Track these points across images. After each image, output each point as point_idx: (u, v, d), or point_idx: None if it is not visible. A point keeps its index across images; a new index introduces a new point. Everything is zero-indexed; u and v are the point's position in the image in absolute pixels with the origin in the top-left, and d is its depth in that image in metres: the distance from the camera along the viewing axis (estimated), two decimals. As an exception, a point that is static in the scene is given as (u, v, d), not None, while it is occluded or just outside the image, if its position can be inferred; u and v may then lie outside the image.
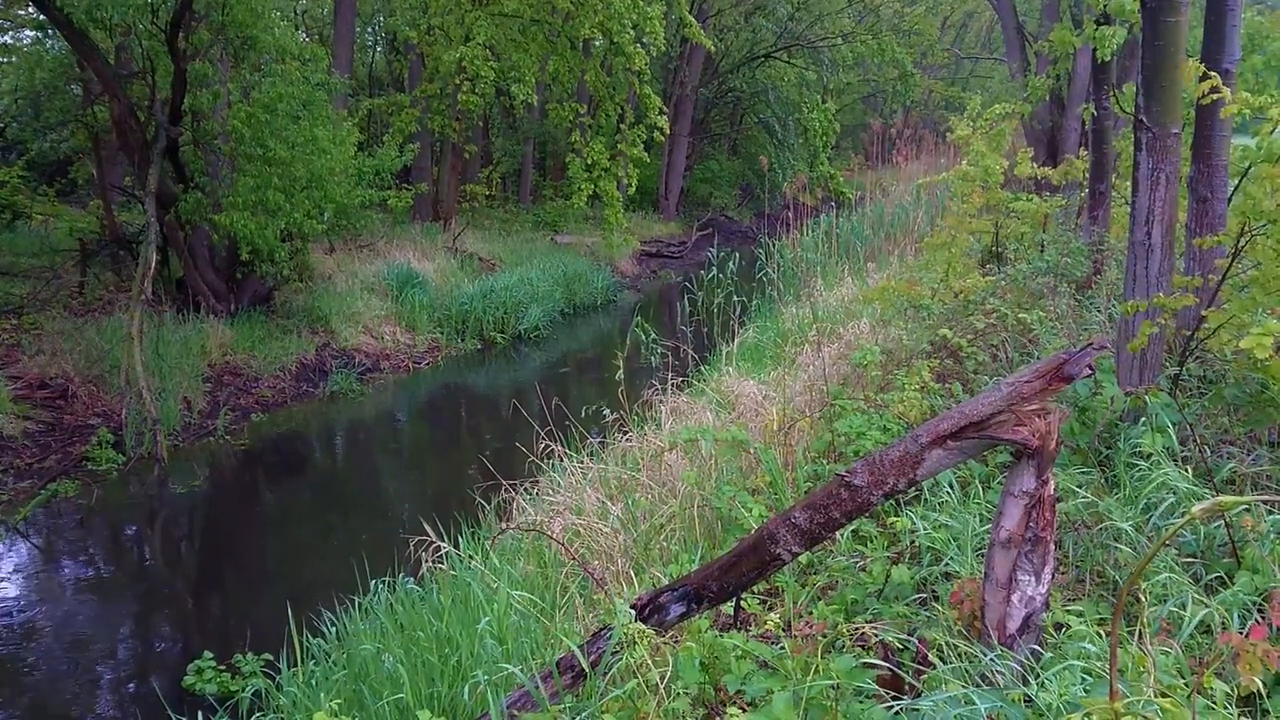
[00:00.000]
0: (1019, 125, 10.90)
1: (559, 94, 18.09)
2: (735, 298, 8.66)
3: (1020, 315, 6.11)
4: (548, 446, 6.10)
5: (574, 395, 10.68)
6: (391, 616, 4.60)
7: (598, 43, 17.63)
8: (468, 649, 3.77)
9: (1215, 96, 4.27)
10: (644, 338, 6.83)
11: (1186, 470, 3.54)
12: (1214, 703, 2.20)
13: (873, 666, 2.63)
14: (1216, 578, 3.03)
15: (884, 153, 22.34)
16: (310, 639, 4.59)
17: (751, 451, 5.06)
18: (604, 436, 6.57)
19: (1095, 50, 7.06)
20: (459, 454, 9.80)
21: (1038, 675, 2.44)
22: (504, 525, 5.40)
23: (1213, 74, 4.24)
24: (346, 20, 17.18)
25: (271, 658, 4.95)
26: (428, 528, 5.02)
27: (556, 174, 23.94)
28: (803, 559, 3.71)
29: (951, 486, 3.96)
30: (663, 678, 2.71)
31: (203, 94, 10.68)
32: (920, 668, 2.73)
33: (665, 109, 16.84)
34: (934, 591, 3.31)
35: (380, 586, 5.03)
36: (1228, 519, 3.12)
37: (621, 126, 16.90)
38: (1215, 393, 4.13)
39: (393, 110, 17.80)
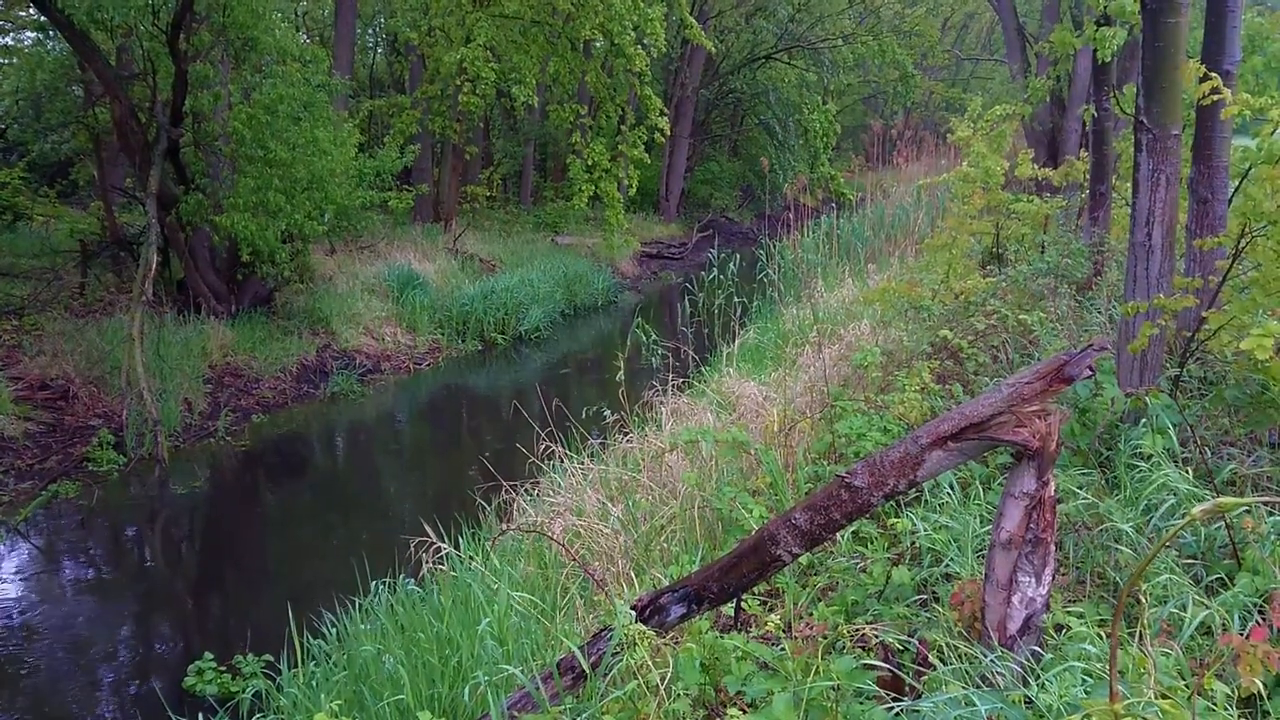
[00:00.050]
0: (1019, 126, 10.90)
1: (560, 95, 18.09)
2: (736, 299, 8.66)
3: (1021, 316, 6.11)
4: (548, 447, 6.10)
5: (574, 396, 10.68)
6: (392, 617, 4.60)
7: (598, 44, 17.64)
8: (468, 650, 3.77)
9: (1216, 98, 4.28)
10: (644, 339, 6.84)
11: (1187, 472, 3.54)
12: (1214, 704, 2.20)
13: (873, 668, 2.63)
14: (1217, 579, 3.03)
15: (884, 154, 22.35)
16: (310, 640, 4.59)
17: (752, 453, 5.06)
18: (604, 437, 6.57)
19: (1096, 51, 7.06)
20: (459, 455, 9.80)
21: (1038, 676, 2.44)
22: (504, 526, 5.40)
23: (1213, 75, 4.25)
24: (347, 21, 17.20)
25: (272, 659, 4.95)
26: (428, 528, 5.02)
27: (557, 175, 23.96)
28: (803, 560, 3.71)
29: (952, 488, 3.96)
30: (663, 679, 2.71)
31: (204, 95, 10.69)
32: (920, 669, 2.73)
33: (666, 110, 16.85)
34: (934, 593, 3.31)
35: (381, 587, 5.03)
36: (1228, 520, 3.12)
37: (622, 128, 16.90)
38: (1216, 394, 4.14)
39: (393, 111, 17.81)
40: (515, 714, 2.92)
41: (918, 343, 6.55)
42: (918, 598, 3.27)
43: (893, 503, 3.89)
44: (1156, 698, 2.02)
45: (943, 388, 5.37)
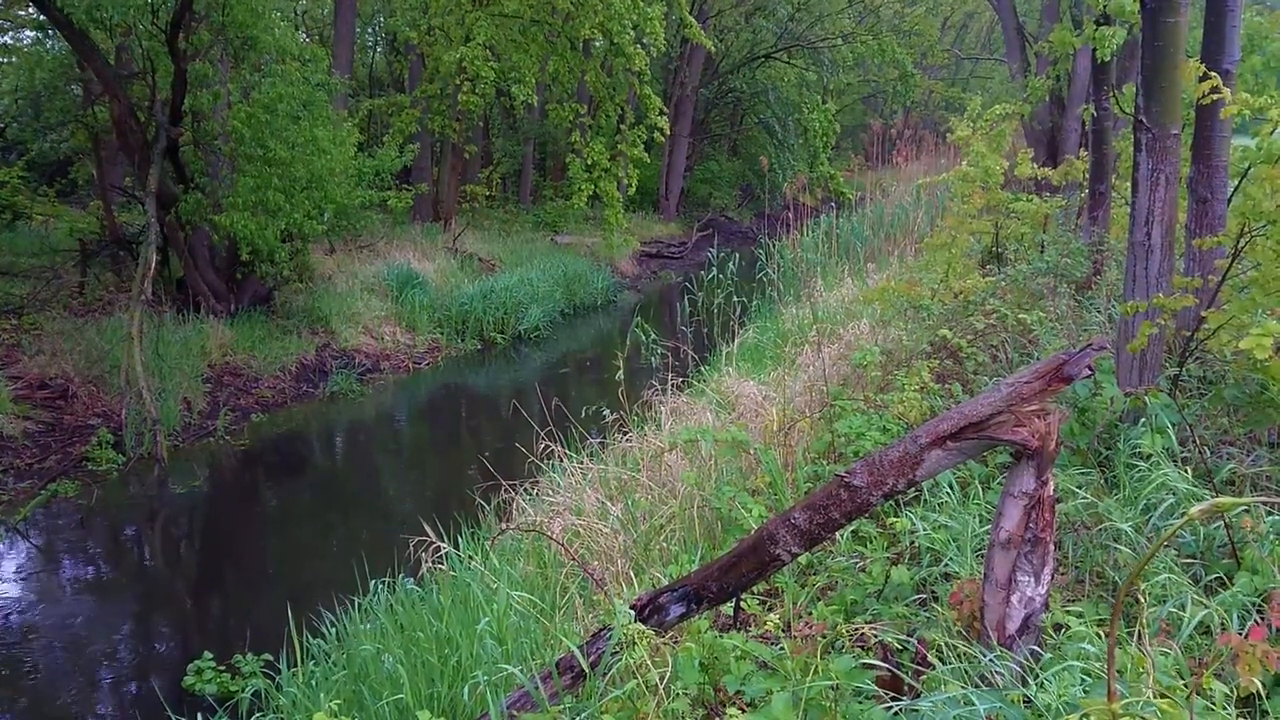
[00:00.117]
0: (1019, 126, 10.90)
1: (559, 94, 18.09)
2: (735, 298, 8.66)
3: (1020, 316, 6.11)
4: (548, 447, 6.10)
5: (574, 396, 10.68)
6: (391, 617, 4.60)
7: (598, 43, 17.65)
8: (467, 649, 3.77)
9: (1215, 97, 4.28)
10: (644, 338, 6.83)
11: (1186, 471, 3.54)
12: (1213, 703, 2.20)
13: (872, 667, 2.63)
14: (1216, 578, 3.03)
15: (884, 153, 22.34)
16: (310, 639, 4.59)
17: (751, 452, 5.06)
18: (604, 437, 6.57)
19: (1095, 51, 7.06)
20: (459, 454, 9.80)
21: (1037, 676, 2.44)
22: (504, 526, 5.40)
23: (1212, 74, 4.25)
24: (346, 21, 17.19)
25: (271, 658, 4.95)
26: (427, 528, 5.02)
27: (557, 174, 23.95)
28: (802, 559, 3.71)
29: (951, 487, 3.96)
30: (662, 678, 2.71)
31: (203, 94, 10.69)
32: (919, 668, 2.73)
33: (665, 109, 16.85)
34: (933, 592, 3.31)
35: (380, 587, 5.03)
36: (1227, 520, 3.12)
37: (621, 127, 16.90)
38: (1215, 393, 4.14)
39: (393, 111, 17.81)
40: (514, 713, 2.93)
41: (917, 342, 6.55)
42: (917, 597, 3.27)
43: (892, 502, 3.89)
44: (1155, 697, 2.02)
45: (942, 387, 5.37)
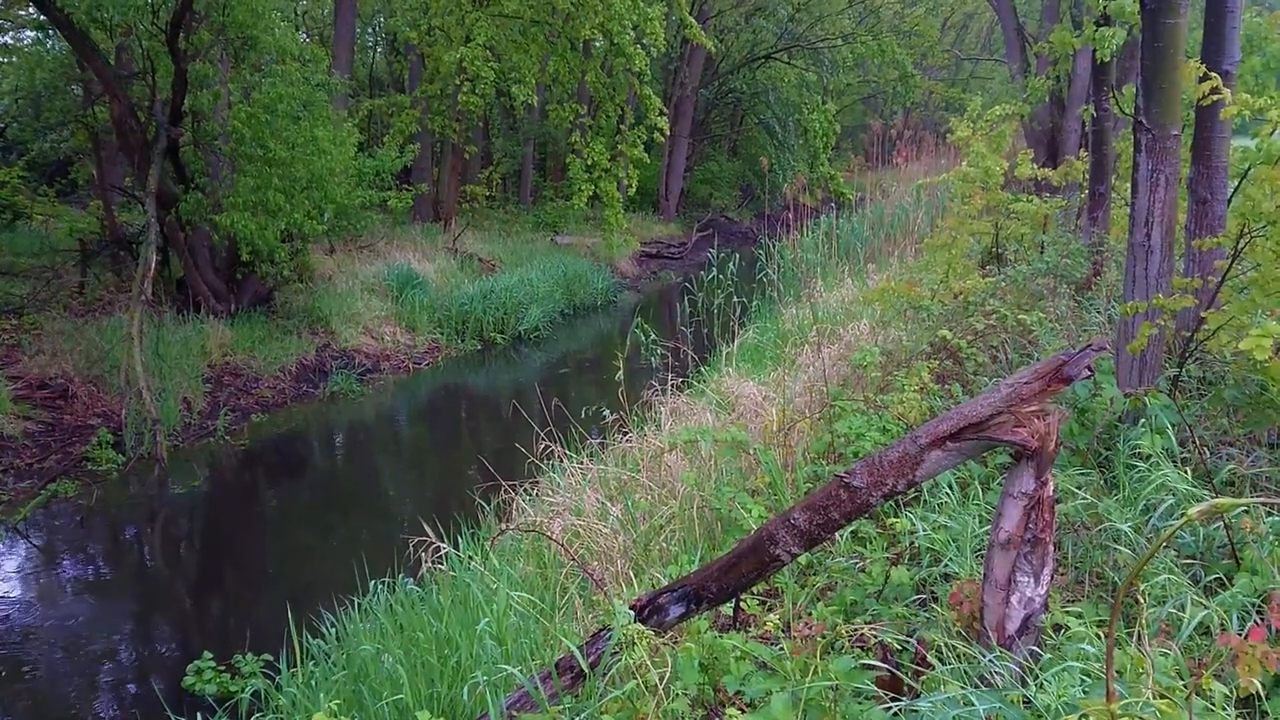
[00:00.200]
0: (1019, 126, 10.90)
1: (559, 95, 18.10)
2: (735, 299, 8.66)
3: (1020, 316, 6.11)
4: (547, 447, 6.10)
5: (574, 396, 10.68)
6: (391, 617, 4.60)
7: (598, 44, 17.66)
8: (467, 650, 3.77)
9: (1215, 98, 4.28)
10: (644, 338, 6.84)
11: (1186, 472, 3.54)
12: (1213, 704, 2.20)
13: (871, 667, 2.63)
14: (1215, 579, 3.03)
15: (884, 154, 22.34)
16: (310, 639, 4.59)
17: (751, 452, 5.06)
18: (604, 437, 6.58)
19: (1095, 51, 7.06)
20: (459, 454, 9.80)
21: (1036, 676, 2.44)
22: (504, 526, 5.40)
23: (1212, 75, 4.25)
24: (347, 21, 17.19)
25: (271, 658, 4.95)
26: (427, 528, 5.02)
27: (557, 175, 23.95)
28: (802, 560, 3.71)
29: (951, 488, 3.97)
30: (662, 678, 2.71)
31: (203, 94, 10.69)
32: (919, 669, 2.73)
33: (665, 110, 16.85)
34: (933, 593, 3.31)
35: (380, 587, 5.03)
36: (1227, 521, 3.12)
37: (621, 127, 16.91)
38: (1215, 394, 4.14)
39: (393, 111, 17.81)
40: (514, 713, 2.93)
41: (917, 342, 6.55)
42: (916, 598, 3.27)
43: (892, 503, 3.90)
44: (1154, 698, 2.02)
45: (942, 388, 5.38)
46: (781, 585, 3.73)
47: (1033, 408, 2.49)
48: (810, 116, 24.47)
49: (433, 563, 4.95)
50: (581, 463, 6.05)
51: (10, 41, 15.86)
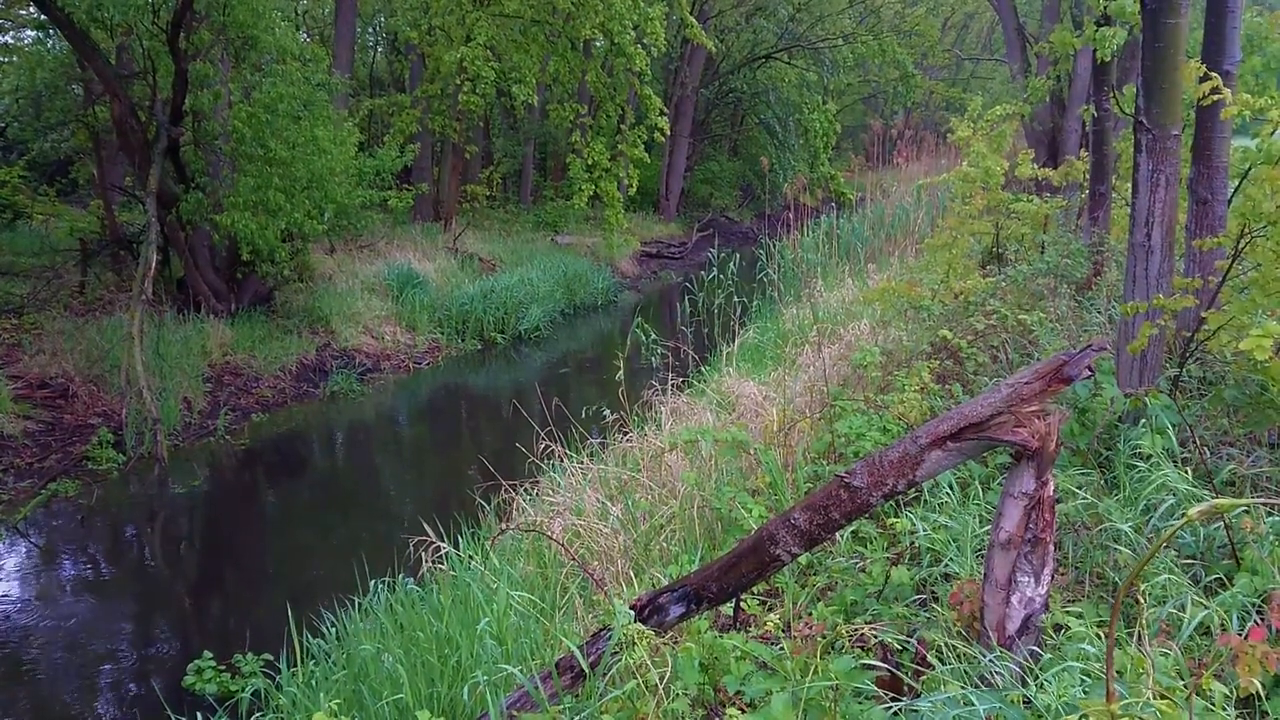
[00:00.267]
0: (1019, 126, 10.90)
1: (560, 94, 18.10)
2: (735, 298, 8.66)
3: (1020, 316, 6.11)
4: (548, 447, 6.10)
5: (574, 396, 10.68)
6: (391, 617, 4.60)
7: (598, 43, 17.66)
8: (467, 649, 3.77)
9: (1215, 98, 4.28)
10: (644, 338, 6.83)
11: (1186, 472, 3.54)
12: (1213, 704, 2.20)
13: (872, 667, 2.63)
14: (1216, 579, 3.03)
15: (884, 154, 22.34)
16: (310, 639, 4.59)
17: (751, 452, 5.06)
18: (604, 437, 6.58)
19: (1095, 51, 7.06)
20: (459, 454, 9.80)
21: (1036, 677, 2.44)
22: (504, 526, 5.40)
23: (1213, 75, 4.25)
24: (347, 20, 17.19)
25: (271, 658, 4.95)
26: (427, 528, 5.02)
27: (557, 174, 23.96)
28: (802, 560, 3.71)
29: (951, 488, 3.96)
30: (662, 678, 2.71)
31: (203, 94, 10.69)
32: (919, 669, 2.73)
33: (666, 110, 16.85)
34: (933, 592, 3.31)
35: (380, 587, 5.03)
36: (1227, 521, 3.12)
37: (622, 127, 16.91)
38: (1215, 394, 4.14)
39: (393, 110, 17.81)
40: (514, 713, 2.93)
41: (917, 342, 6.55)
42: (917, 598, 3.27)
43: (892, 503, 3.90)
44: (1154, 698, 2.02)
45: (942, 388, 5.38)
46: (782, 585, 3.73)
47: (1033, 408, 2.49)
48: (811, 116, 24.48)
49: (433, 562, 4.95)
50: (582, 462, 6.05)
51: (11, 41, 15.86)
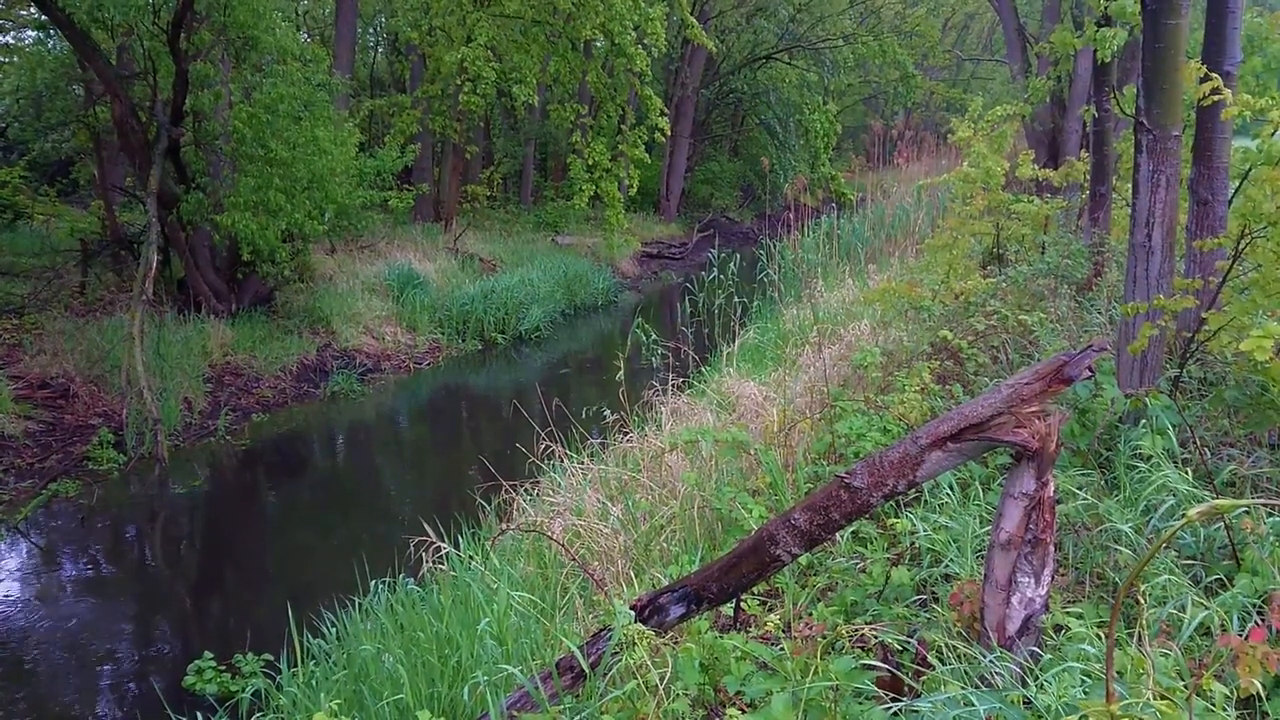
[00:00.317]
0: (1020, 127, 10.90)
1: (560, 95, 18.10)
2: (736, 299, 8.66)
3: (1021, 317, 6.11)
4: (548, 447, 6.10)
5: (574, 396, 10.68)
6: (391, 617, 4.60)
7: (599, 44, 17.65)
8: (468, 649, 3.77)
9: (1216, 98, 4.28)
10: (644, 339, 6.83)
11: (1187, 472, 3.54)
12: (1213, 705, 2.20)
13: (872, 668, 2.63)
14: (1216, 580, 3.03)
15: (885, 154, 22.35)
16: (310, 639, 4.60)
17: (752, 453, 5.06)
18: (604, 437, 6.58)
19: (1096, 52, 7.06)
20: (459, 454, 9.80)
21: (1037, 677, 2.44)
22: (504, 526, 5.40)
23: (1213, 76, 4.25)
24: (348, 21, 17.20)
25: (271, 658, 4.95)
26: (428, 528, 5.02)
27: (558, 175, 23.96)
28: (802, 560, 3.71)
29: (951, 488, 3.96)
30: (662, 679, 2.71)
31: (204, 94, 10.69)
32: (919, 669, 2.73)
33: (666, 110, 16.85)
34: (934, 593, 3.31)
35: (380, 587, 5.03)
36: (1227, 521, 3.12)
37: (622, 127, 16.91)
38: (1215, 395, 4.14)
39: (394, 111, 17.82)
40: (514, 713, 2.93)
41: (918, 343, 6.55)
42: (917, 598, 3.27)
43: (892, 503, 3.89)
44: (1155, 698, 2.02)
45: (942, 388, 5.38)
46: (782, 585, 3.73)
47: (1033, 408, 2.49)
48: (811, 117, 24.48)
49: (433, 562, 4.95)
50: (582, 463, 6.05)
51: (11, 41, 15.88)
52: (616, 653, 2.80)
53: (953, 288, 7.42)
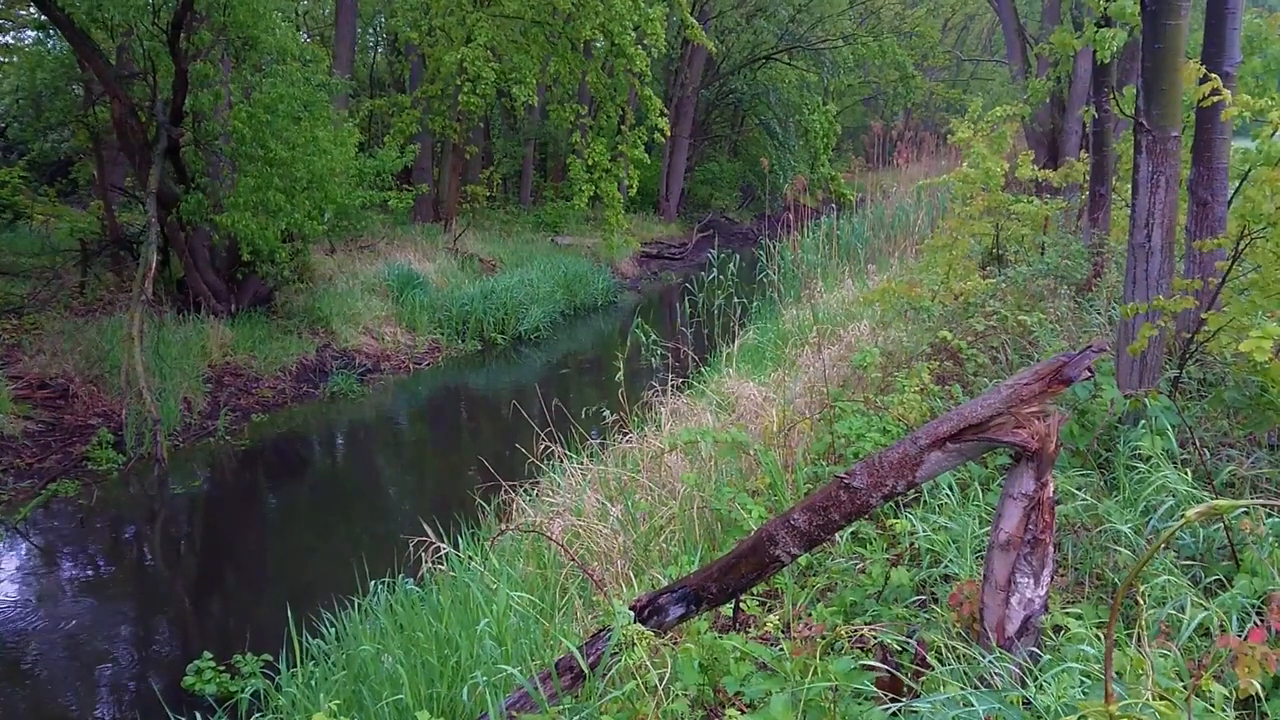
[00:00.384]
0: (1020, 127, 10.91)
1: (560, 95, 18.10)
2: (735, 299, 8.66)
3: (1020, 317, 6.12)
4: (548, 447, 6.10)
5: (574, 396, 10.68)
6: (391, 617, 4.60)
7: (599, 44, 17.64)
8: (467, 650, 3.77)
9: (1215, 99, 4.28)
10: (644, 339, 6.84)
11: (1186, 473, 3.54)
12: (1212, 705, 2.20)
13: (871, 668, 2.63)
14: (1215, 580, 3.03)
15: (885, 155, 22.36)
16: (310, 640, 4.59)
17: (751, 453, 5.06)
18: (604, 438, 6.58)
19: (1095, 53, 7.06)
20: (459, 455, 9.80)
21: (1036, 678, 2.44)
22: (504, 526, 5.40)
23: (1213, 76, 4.25)
24: (347, 21, 17.20)
25: (271, 658, 4.95)
26: (427, 528, 5.02)
27: (557, 175, 23.96)
28: (802, 561, 3.71)
29: (951, 489, 3.96)
30: (661, 679, 2.71)
31: (204, 94, 10.69)
32: (919, 669, 2.73)
33: (666, 110, 16.85)
34: (933, 593, 3.31)
35: (380, 587, 5.03)
36: (1227, 522, 3.12)
37: (622, 128, 16.90)
38: (1215, 395, 4.14)
39: (394, 111, 17.82)
40: (514, 714, 2.93)
41: (917, 344, 6.55)
42: (916, 598, 3.27)
43: (892, 504, 3.90)
44: (1154, 699, 2.02)
45: (942, 389, 5.38)
46: (781, 586, 3.73)
47: (1033, 409, 2.49)
48: (811, 117, 24.48)
49: (433, 563, 4.95)
50: (581, 463, 6.05)
51: (11, 41, 15.88)
52: (616, 653, 2.80)
53: (952, 288, 7.42)
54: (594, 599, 4.27)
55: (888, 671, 2.69)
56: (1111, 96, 7.18)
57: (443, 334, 13.72)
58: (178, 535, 8.01)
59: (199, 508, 8.34)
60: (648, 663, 2.70)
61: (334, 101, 13.22)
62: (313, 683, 4.20)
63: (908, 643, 2.83)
